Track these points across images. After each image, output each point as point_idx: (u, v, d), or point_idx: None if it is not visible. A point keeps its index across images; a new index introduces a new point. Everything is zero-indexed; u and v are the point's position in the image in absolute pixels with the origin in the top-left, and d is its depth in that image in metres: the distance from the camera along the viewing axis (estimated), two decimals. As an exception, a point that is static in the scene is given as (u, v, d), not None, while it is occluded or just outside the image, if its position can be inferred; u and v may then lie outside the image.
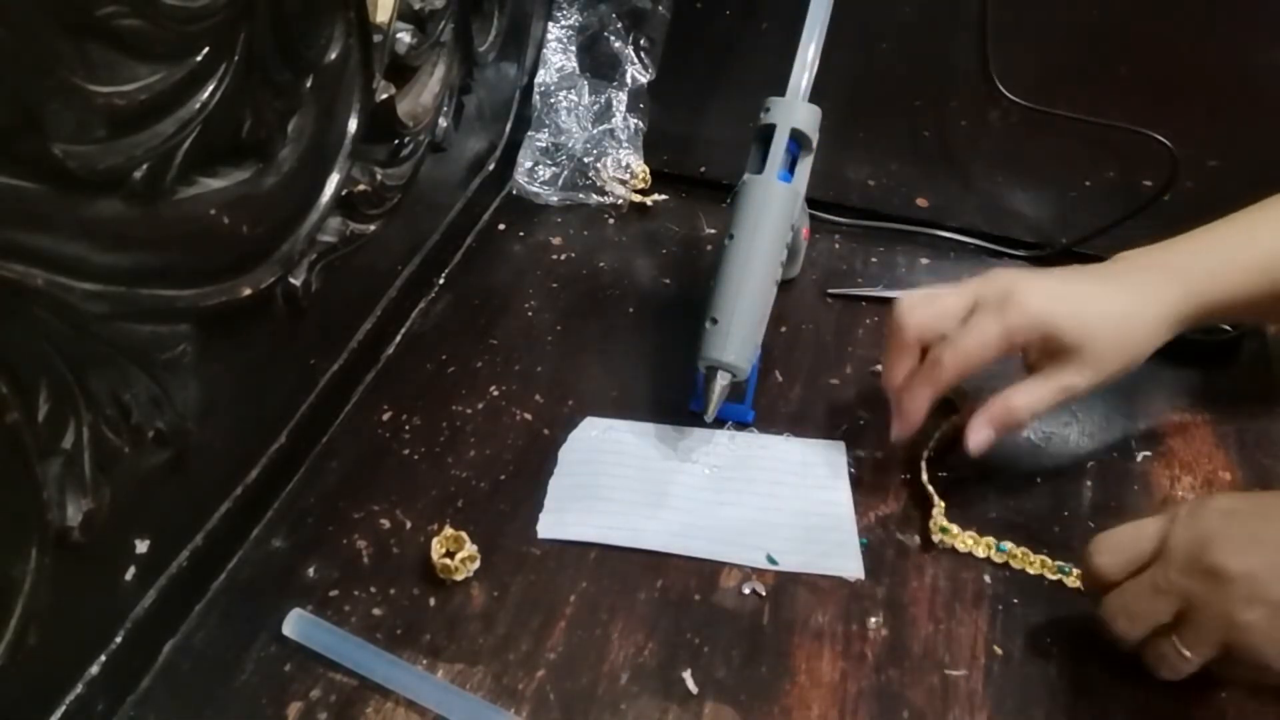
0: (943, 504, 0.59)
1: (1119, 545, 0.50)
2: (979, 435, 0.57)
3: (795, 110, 0.64)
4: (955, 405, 0.66)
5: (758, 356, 0.62)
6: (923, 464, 0.61)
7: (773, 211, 0.62)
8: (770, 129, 0.63)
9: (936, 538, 0.58)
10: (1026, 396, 0.56)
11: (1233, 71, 0.73)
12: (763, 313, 0.62)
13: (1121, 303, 0.56)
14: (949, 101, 0.80)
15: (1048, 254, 0.80)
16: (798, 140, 0.64)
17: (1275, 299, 0.57)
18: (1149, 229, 0.76)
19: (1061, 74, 0.76)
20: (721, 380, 0.61)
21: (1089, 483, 0.62)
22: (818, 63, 0.65)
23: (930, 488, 0.60)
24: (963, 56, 0.78)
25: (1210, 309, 0.56)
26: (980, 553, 0.57)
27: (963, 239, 0.82)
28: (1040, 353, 0.56)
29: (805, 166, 0.65)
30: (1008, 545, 0.57)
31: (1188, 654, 0.47)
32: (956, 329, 0.56)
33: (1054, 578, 0.56)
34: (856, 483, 0.62)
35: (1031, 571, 0.57)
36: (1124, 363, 0.55)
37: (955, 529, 0.58)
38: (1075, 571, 0.56)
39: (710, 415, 0.61)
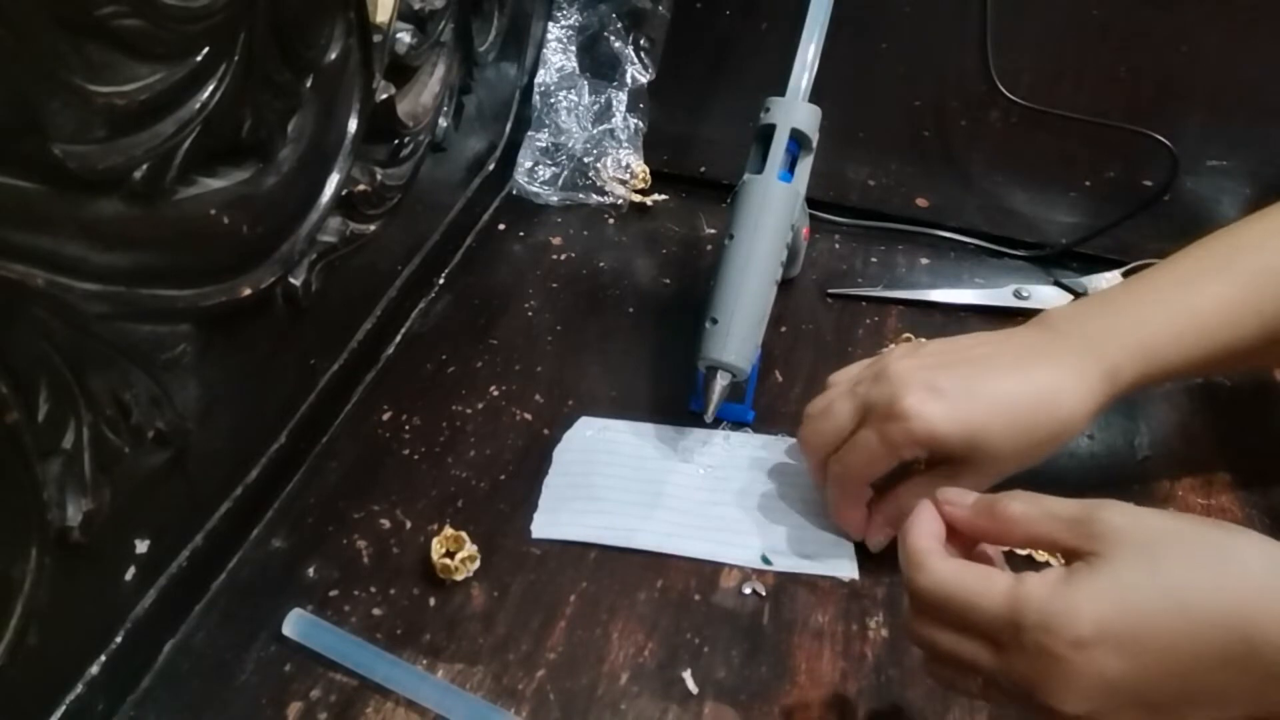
0: None
1: (940, 592, 0.42)
2: (876, 538, 0.56)
3: (795, 110, 0.64)
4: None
5: (758, 356, 0.62)
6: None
7: (773, 211, 0.62)
8: (770, 129, 0.63)
9: None
10: (918, 497, 0.50)
11: (1233, 71, 0.73)
12: (763, 313, 0.62)
13: (1028, 392, 0.51)
14: (949, 101, 0.80)
15: (1048, 254, 0.80)
16: (798, 140, 0.64)
17: (1221, 360, 0.53)
18: (1149, 229, 0.77)
19: (1061, 74, 0.76)
20: (721, 380, 0.61)
21: (1089, 483, 0.62)
22: (818, 63, 0.65)
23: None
24: (963, 56, 0.78)
25: (1143, 381, 0.52)
26: None
27: (963, 239, 0.82)
28: (933, 458, 0.53)
29: (805, 166, 0.65)
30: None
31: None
32: (846, 444, 0.54)
33: (1024, 553, 0.55)
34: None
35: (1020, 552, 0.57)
36: (1027, 457, 0.52)
37: None
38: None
39: (710, 415, 0.61)
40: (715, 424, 0.64)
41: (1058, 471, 0.63)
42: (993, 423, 0.51)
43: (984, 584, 0.41)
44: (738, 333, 0.60)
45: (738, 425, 0.65)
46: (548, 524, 0.58)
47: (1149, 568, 0.38)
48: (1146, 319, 0.53)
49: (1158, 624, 0.37)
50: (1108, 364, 0.52)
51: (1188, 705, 0.38)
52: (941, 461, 0.53)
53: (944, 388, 0.51)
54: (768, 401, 0.67)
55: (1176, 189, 0.75)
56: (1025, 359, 0.53)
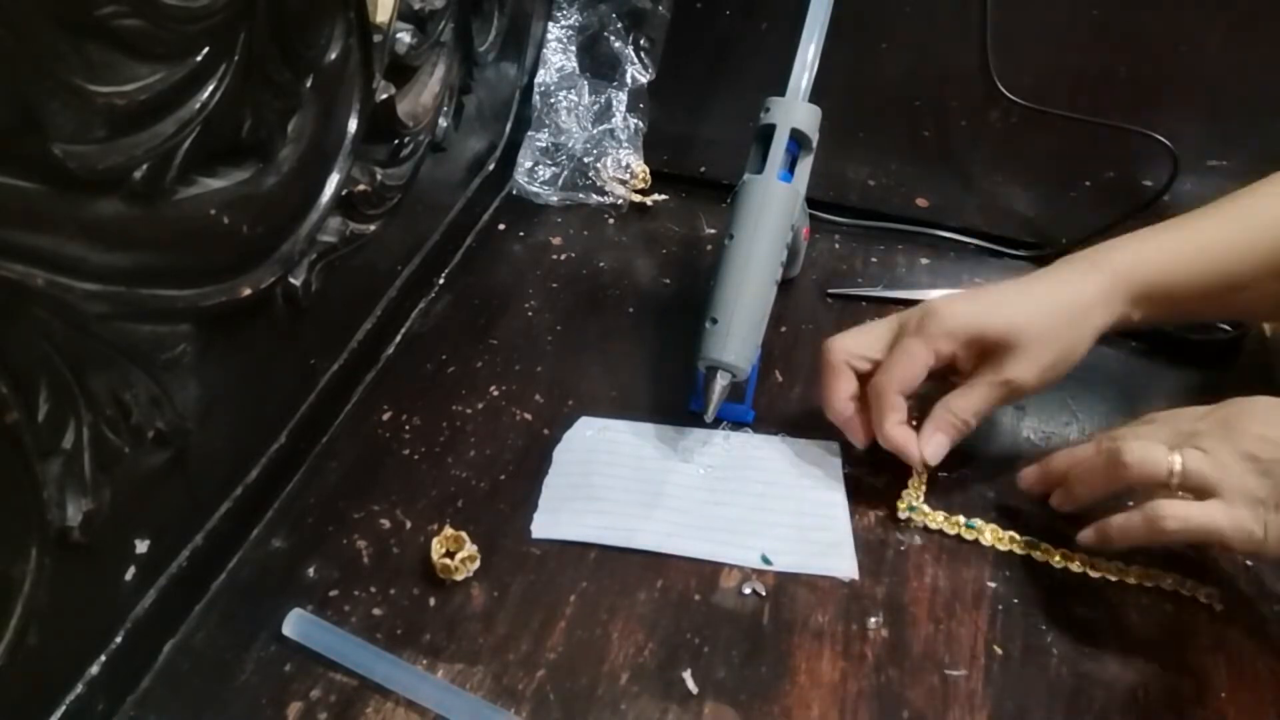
0: (923, 486, 0.60)
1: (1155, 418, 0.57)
2: (932, 444, 0.58)
3: (795, 110, 0.64)
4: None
5: (758, 356, 0.62)
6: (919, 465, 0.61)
7: (773, 211, 0.62)
8: (770, 129, 0.63)
9: (904, 515, 0.58)
10: (966, 399, 0.58)
11: (1232, 71, 0.73)
12: (763, 313, 0.62)
13: (1047, 295, 0.57)
14: (949, 101, 0.80)
15: (1047, 254, 0.80)
16: (798, 140, 0.64)
17: (1226, 290, 0.58)
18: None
19: (1061, 74, 0.76)
20: (721, 380, 0.61)
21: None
22: (818, 63, 0.65)
23: (918, 473, 0.60)
24: (963, 57, 0.78)
25: (1150, 295, 0.57)
26: (950, 530, 0.58)
27: (963, 239, 0.82)
28: (973, 359, 0.58)
29: (805, 166, 0.65)
30: (977, 522, 0.58)
31: (1176, 470, 0.51)
32: (886, 356, 0.59)
33: (1022, 553, 0.57)
34: (856, 483, 0.62)
35: (1001, 548, 0.57)
36: (1058, 351, 0.56)
37: (925, 508, 0.59)
38: (1043, 545, 0.57)
39: (710, 415, 0.61)
40: (715, 424, 0.64)
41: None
42: (1025, 309, 0.57)
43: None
44: (738, 333, 0.60)
45: (738, 425, 0.65)
46: (548, 524, 0.58)
47: None
48: (1153, 243, 0.59)
49: None
50: (1121, 273, 0.57)
51: None
52: (982, 364, 0.57)
53: (973, 295, 0.59)
54: (768, 401, 0.67)
55: (1176, 189, 0.75)
56: (1047, 275, 0.59)
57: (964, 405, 0.58)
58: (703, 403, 0.61)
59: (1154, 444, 0.52)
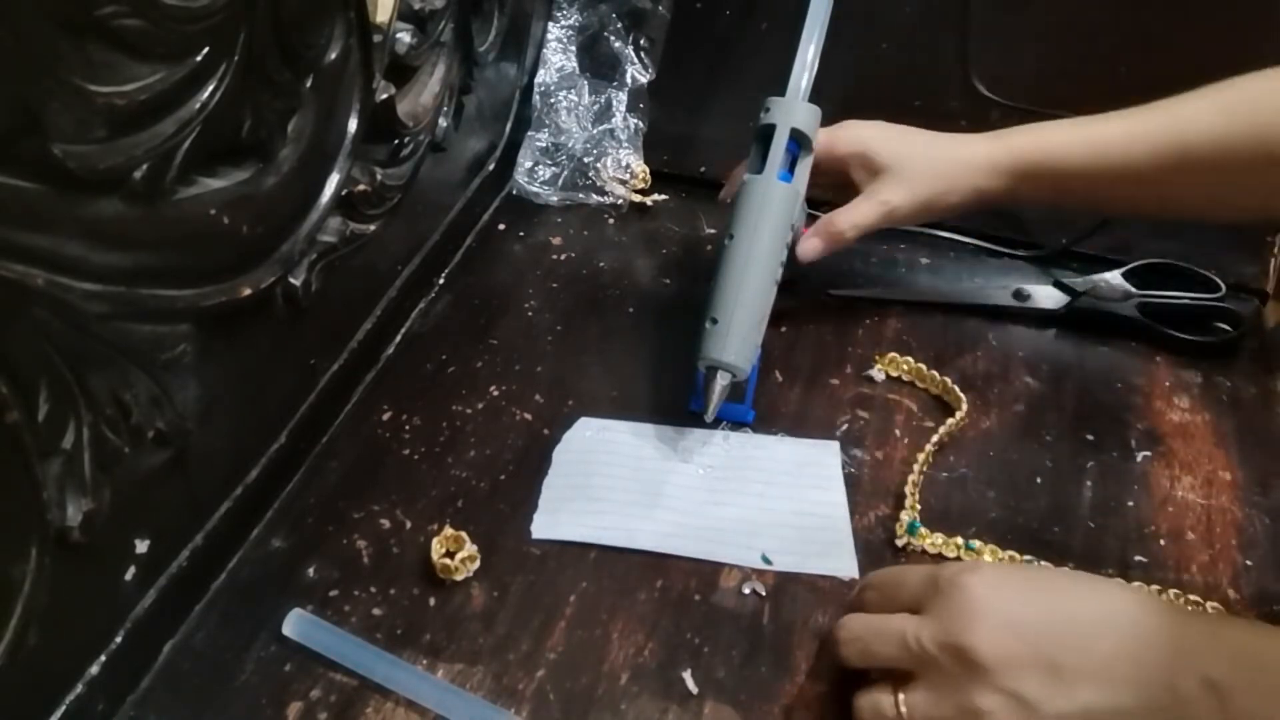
0: (917, 507, 0.59)
1: (884, 581, 0.50)
2: (807, 246, 0.66)
3: (795, 110, 0.64)
4: (952, 408, 0.66)
5: (758, 356, 0.62)
6: (917, 465, 0.61)
7: (773, 211, 0.62)
8: (770, 129, 0.63)
9: (902, 540, 0.58)
10: (848, 212, 0.66)
11: (1232, 71, 0.73)
12: (763, 313, 0.62)
13: (943, 144, 0.65)
14: (949, 101, 0.80)
15: (1047, 254, 0.80)
16: (798, 140, 0.64)
17: (1119, 181, 0.61)
18: (1148, 228, 0.77)
19: (1061, 75, 0.76)
20: (721, 380, 0.61)
21: (1089, 483, 0.62)
22: (818, 63, 0.65)
23: (910, 490, 0.60)
24: (963, 57, 0.78)
25: (1036, 173, 0.63)
26: (950, 553, 0.57)
27: (963, 239, 0.82)
28: (862, 173, 0.66)
29: (805, 166, 0.65)
30: (976, 544, 0.57)
31: (904, 714, 0.45)
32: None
33: None
34: (856, 483, 0.62)
35: None
36: (933, 190, 0.64)
37: (923, 530, 0.58)
38: (1043, 564, 0.56)
39: (710, 415, 0.61)
40: (715, 424, 0.64)
41: (1058, 468, 0.63)
42: (918, 147, 0.66)
43: (909, 569, 0.49)
44: (737, 333, 0.60)
45: (737, 425, 0.65)
46: (548, 524, 0.58)
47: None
48: (1053, 130, 0.64)
49: (1049, 582, 0.49)
50: (1014, 148, 0.64)
51: (1085, 676, 0.42)
52: (868, 181, 0.66)
53: (885, 126, 0.67)
54: (768, 401, 0.67)
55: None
56: (955, 135, 0.66)
57: (847, 218, 0.65)
58: (703, 403, 0.61)
59: (881, 694, 0.46)
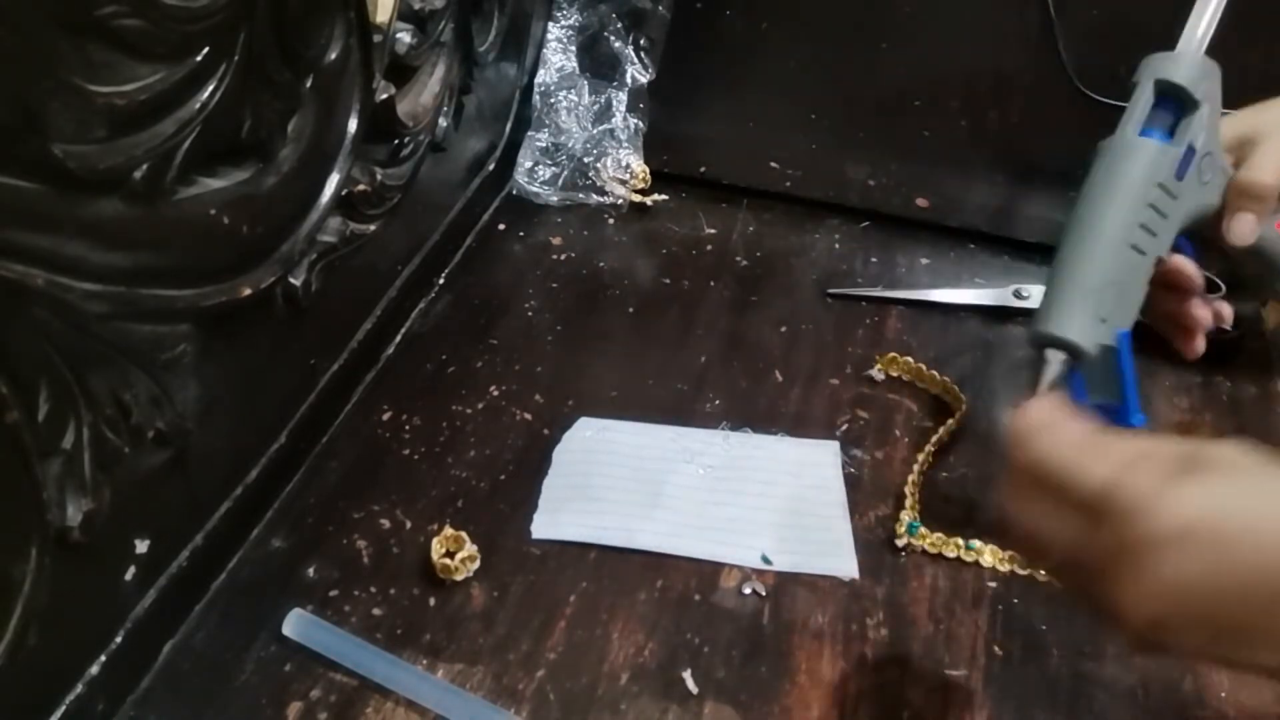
0: (916, 507, 0.59)
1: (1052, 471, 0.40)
2: (1234, 223, 0.53)
3: (1170, 62, 0.54)
4: (951, 408, 0.66)
5: (1121, 339, 0.51)
6: (916, 466, 0.61)
7: (1121, 171, 0.52)
8: (1160, 84, 0.53)
9: (902, 541, 0.58)
10: (1257, 164, 0.53)
11: (1232, 70, 0.73)
12: (1111, 280, 0.51)
13: None
14: (949, 101, 0.80)
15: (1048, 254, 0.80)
16: (1177, 96, 0.53)
17: None
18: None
19: (1058, 75, 0.76)
20: (1054, 360, 0.49)
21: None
22: (1221, 10, 0.55)
23: (910, 490, 0.60)
24: (962, 57, 0.78)
25: None
26: (950, 552, 0.57)
27: (963, 239, 0.82)
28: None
29: (1199, 125, 0.53)
30: (976, 543, 0.57)
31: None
32: None
33: (1024, 573, 0.56)
34: (856, 483, 0.62)
35: (1002, 569, 0.57)
36: None
37: (924, 529, 0.58)
38: None
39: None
40: (718, 424, 0.64)
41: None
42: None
43: (1092, 456, 0.39)
44: (1068, 301, 0.50)
45: (736, 429, 0.65)
46: (548, 524, 0.58)
47: (1259, 488, 0.36)
48: None
49: (1249, 540, 0.35)
50: None
51: (1260, 638, 0.35)
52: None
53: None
54: (768, 401, 0.67)
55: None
56: None
57: (1254, 170, 0.53)
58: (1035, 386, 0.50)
59: None
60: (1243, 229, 0.53)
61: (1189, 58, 0.54)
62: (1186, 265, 0.54)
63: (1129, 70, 0.61)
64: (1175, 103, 0.53)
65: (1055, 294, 0.50)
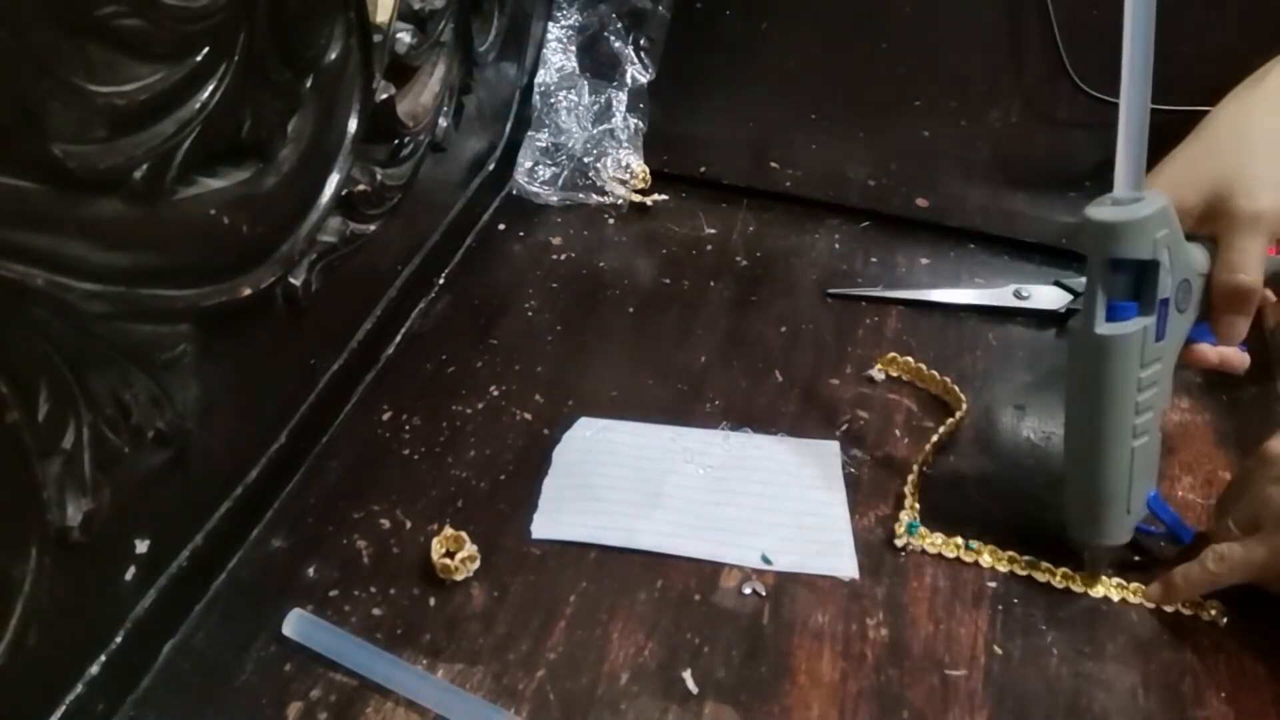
0: (916, 507, 0.59)
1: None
2: (1234, 329, 0.55)
3: (1114, 239, 0.49)
4: (951, 408, 0.66)
5: (1150, 501, 0.55)
6: (916, 466, 0.61)
7: (1106, 374, 0.51)
8: (1114, 262, 0.49)
9: (901, 541, 0.57)
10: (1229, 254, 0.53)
11: (1232, 70, 0.73)
12: (1123, 471, 0.53)
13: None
14: (949, 101, 0.80)
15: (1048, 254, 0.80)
16: (1137, 263, 0.50)
17: None
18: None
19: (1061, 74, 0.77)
20: (1100, 551, 0.56)
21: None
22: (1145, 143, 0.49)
23: (909, 490, 0.60)
24: (962, 57, 0.78)
25: None
26: (950, 552, 0.57)
27: (963, 239, 0.82)
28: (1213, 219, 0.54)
29: (1164, 275, 0.50)
30: (975, 544, 0.57)
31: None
32: None
33: (1024, 573, 0.56)
34: (856, 483, 0.62)
35: (1001, 569, 0.57)
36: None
37: (923, 529, 0.58)
38: (1044, 565, 0.56)
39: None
40: (716, 424, 0.64)
41: (1058, 467, 0.63)
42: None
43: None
44: (1098, 516, 0.54)
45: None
46: (548, 524, 0.58)
47: None
48: None
49: None
50: None
51: None
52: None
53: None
54: (768, 401, 0.67)
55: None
56: None
57: (1233, 257, 0.53)
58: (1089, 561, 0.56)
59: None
60: (1236, 332, 0.55)
61: (1133, 226, 0.49)
62: (1207, 354, 0.58)
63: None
64: (1133, 263, 0.50)
65: (1083, 510, 0.55)
